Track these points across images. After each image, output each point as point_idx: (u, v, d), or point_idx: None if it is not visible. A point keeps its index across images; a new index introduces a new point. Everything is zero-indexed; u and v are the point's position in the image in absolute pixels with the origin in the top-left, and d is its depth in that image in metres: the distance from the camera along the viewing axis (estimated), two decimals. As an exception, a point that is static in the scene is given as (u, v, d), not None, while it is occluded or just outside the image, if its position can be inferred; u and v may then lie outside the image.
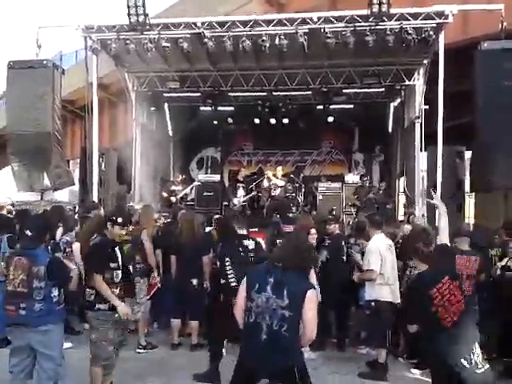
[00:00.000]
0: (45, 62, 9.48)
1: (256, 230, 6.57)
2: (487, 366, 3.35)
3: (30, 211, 4.30)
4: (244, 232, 5.81)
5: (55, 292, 3.73)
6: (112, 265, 4.10)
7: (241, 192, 12.00)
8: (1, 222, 6.65)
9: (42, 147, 9.51)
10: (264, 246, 6.15)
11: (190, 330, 6.15)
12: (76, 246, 6.57)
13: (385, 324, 5.33)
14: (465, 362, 3.27)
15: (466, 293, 4.96)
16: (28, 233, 3.84)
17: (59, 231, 7.10)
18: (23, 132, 9.47)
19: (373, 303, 5.32)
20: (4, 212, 7.76)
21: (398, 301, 5.31)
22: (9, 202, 8.41)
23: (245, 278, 3.31)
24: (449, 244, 4.41)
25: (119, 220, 4.28)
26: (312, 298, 3.13)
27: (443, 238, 4.24)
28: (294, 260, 3.21)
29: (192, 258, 5.95)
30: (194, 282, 5.89)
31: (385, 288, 5.30)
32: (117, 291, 4.10)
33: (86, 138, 10.33)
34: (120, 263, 4.19)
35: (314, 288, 3.27)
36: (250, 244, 5.70)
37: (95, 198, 9.64)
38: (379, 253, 5.29)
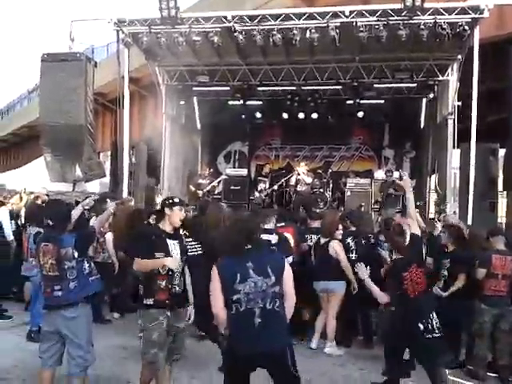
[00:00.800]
0: (78, 55, 9.65)
1: (283, 224, 6.53)
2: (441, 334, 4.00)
3: (60, 201, 4.34)
4: (268, 226, 5.82)
5: (86, 265, 3.84)
6: (158, 254, 3.78)
7: (262, 186, 11.98)
8: (31, 215, 6.69)
9: (75, 139, 9.71)
10: (292, 241, 6.13)
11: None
12: (109, 236, 6.69)
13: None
14: (421, 326, 3.96)
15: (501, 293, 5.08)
16: (49, 222, 3.87)
17: (92, 220, 7.26)
18: (56, 124, 9.68)
19: None
20: (39, 202, 7.91)
21: None
22: (44, 191, 8.60)
23: (216, 276, 3.15)
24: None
25: (176, 200, 4.01)
26: (289, 268, 3.26)
27: (412, 214, 4.59)
28: (254, 239, 3.25)
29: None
30: None
31: None
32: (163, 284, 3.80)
33: (116, 131, 10.50)
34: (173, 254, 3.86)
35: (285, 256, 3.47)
36: (273, 238, 5.71)
37: (125, 190, 9.80)
38: None
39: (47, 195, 8.27)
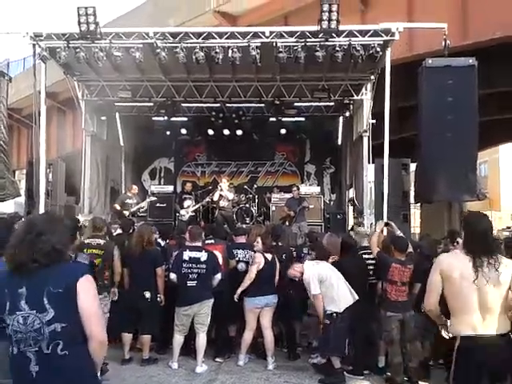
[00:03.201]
0: (-10, 70, 9.18)
1: (213, 241, 6.55)
2: None
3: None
4: (196, 244, 5.84)
5: None
6: None
7: (188, 203, 11.93)
8: None
9: (-14, 157, 9.17)
10: (221, 258, 6.16)
11: (141, 345, 6.03)
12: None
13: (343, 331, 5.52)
14: None
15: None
16: None
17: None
18: (-34, 141, 9.10)
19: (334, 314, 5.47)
20: None
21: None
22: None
23: None
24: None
25: None
26: (86, 282, 2.36)
27: None
28: (40, 255, 2.32)
29: (144, 270, 5.87)
30: (147, 294, 5.79)
31: None
32: None
33: (32, 148, 10.01)
34: None
35: (85, 270, 2.47)
36: (202, 256, 5.74)
37: (42, 210, 9.34)
38: None
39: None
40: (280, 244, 6.60)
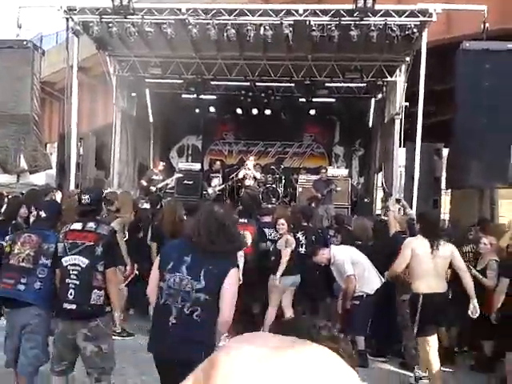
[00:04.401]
0: (25, 43, 9.29)
1: (246, 221, 6.53)
2: None
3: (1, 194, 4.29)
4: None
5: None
6: None
7: (215, 182, 11.94)
8: None
9: (20, 129, 9.35)
10: (250, 239, 6.13)
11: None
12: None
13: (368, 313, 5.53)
14: None
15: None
16: (42, 214, 3.81)
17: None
18: (1, 113, 9.28)
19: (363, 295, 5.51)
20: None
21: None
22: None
23: (159, 256, 3.02)
24: None
25: None
26: (233, 276, 2.78)
27: None
28: (217, 242, 2.78)
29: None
30: None
31: None
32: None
33: (64, 122, 10.17)
34: None
35: (238, 267, 2.97)
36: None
37: (72, 183, 9.53)
38: None
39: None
40: (310, 225, 6.55)
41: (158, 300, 2.83)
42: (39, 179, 10.78)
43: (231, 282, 2.76)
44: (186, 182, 12.61)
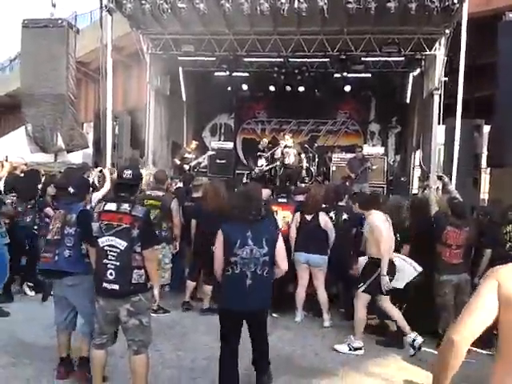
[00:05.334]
0: (59, 22, 9.39)
1: (285, 201, 6.48)
2: None
3: (79, 171, 4.54)
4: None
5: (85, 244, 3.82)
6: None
7: (262, 162, 11.72)
8: (7, 184, 6.79)
9: (56, 108, 9.50)
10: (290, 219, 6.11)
11: (202, 295, 6.21)
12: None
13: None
14: None
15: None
16: (71, 189, 3.97)
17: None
18: (37, 92, 9.45)
19: None
20: (17, 172, 7.81)
21: None
22: (22, 162, 8.48)
23: (221, 236, 3.70)
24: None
25: None
26: (280, 237, 3.81)
27: None
28: (258, 212, 3.74)
29: (215, 225, 5.79)
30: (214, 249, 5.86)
31: None
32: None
33: (99, 101, 10.27)
34: None
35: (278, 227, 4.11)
36: None
37: (109, 162, 9.66)
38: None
39: (25, 165, 8.14)
40: (342, 204, 6.43)
41: (232, 271, 3.62)
42: (76, 158, 11.00)
43: (280, 242, 3.77)
44: (218, 160, 12.63)
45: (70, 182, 4.12)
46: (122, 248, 3.38)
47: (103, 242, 3.43)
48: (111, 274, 3.38)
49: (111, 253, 3.40)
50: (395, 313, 5.13)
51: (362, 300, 5.00)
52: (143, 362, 3.48)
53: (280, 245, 3.74)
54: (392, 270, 4.94)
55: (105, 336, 3.55)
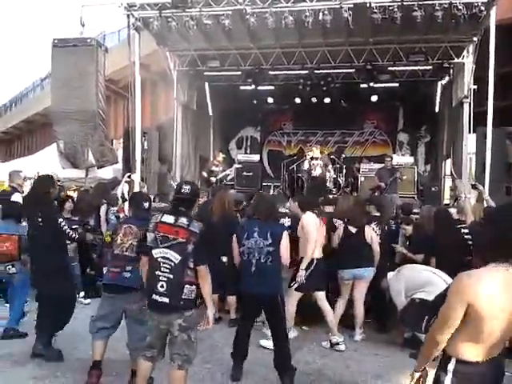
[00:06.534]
0: (89, 40, 9.59)
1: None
2: None
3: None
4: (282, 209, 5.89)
5: None
6: None
7: (318, 171, 11.42)
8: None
9: (87, 125, 9.70)
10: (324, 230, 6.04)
11: (228, 306, 6.20)
12: None
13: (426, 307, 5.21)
14: None
15: None
16: (144, 205, 4.23)
17: (103, 208, 7.32)
18: (68, 110, 9.67)
19: None
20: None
21: None
22: (55, 177, 8.68)
23: (235, 235, 4.52)
24: None
25: None
26: (286, 235, 4.36)
27: None
28: (268, 213, 4.44)
29: (222, 235, 5.65)
30: (224, 259, 5.83)
31: None
32: None
33: (129, 118, 10.45)
34: None
35: (286, 229, 4.57)
36: (286, 221, 5.90)
37: (138, 177, 9.78)
38: None
39: (59, 181, 8.31)
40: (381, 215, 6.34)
41: (242, 258, 4.35)
42: (106, 173, 11.18)
43: (285, 238, 4.34)
44: (245, 173, 12.68)
45: (142, 197, 4.35)
46: (176, 261, 3.38)
47: (157, 253, 3.44)
48: (162, 287, 3.38)
49: (165, 265, 3.40)
50: (329, 312, 5.37)
51: (293, 297, 5.25)
52: (184, 377, 3.48)
53: (285, 241, 4.30)
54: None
55: (154, 350, 3.55)
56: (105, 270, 4.13)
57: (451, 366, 2.20)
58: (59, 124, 9.96)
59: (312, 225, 5.21)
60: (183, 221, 3.43)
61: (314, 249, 5.15)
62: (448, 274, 5.05)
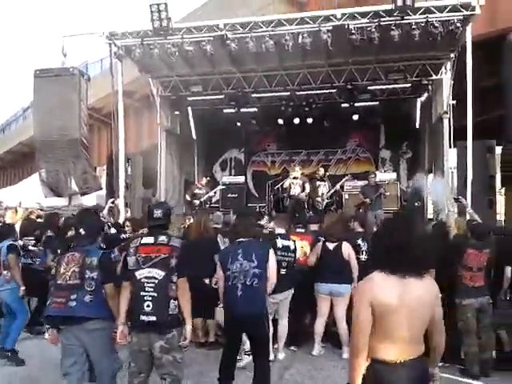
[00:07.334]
0: (71, 70, 9.63)
1: (303, 231, 6.47)
2: None
3: (93, 213, 4.50)
4: (280, 231, 5.76)
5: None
6: None
7: (322, 190, 11.38)
8: (24, 229, 6.88)
9: (70, 153, 9.66)
10: (308, 249, 6.08)
11: (208, 328, 6.15)
12: None
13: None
14: None
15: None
16: (82, 231, 3.87)
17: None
18: (50, 139, 9.64)
19: None
20: (33, 216, 7.93)
21: None
22: (37, 207, 8.62)
23: (218, 261, 4.38)
24: None
25: None
26: (272, 254, 4.32)
27: None
28: (251, 232, 4.38)
29: (202, 257, 5.62)
30: (207, 281, 5.76)
31: None
32: None
33: (112, 144, 10.45)
34: None
35: (270, 247, 4.46)
36: (291, 244, 5.69)
37: (122, 203, 9.73)
38: None
39: (42, 210, 8.23)
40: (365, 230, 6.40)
41: (226, 284, 4.18)
42: (90, 201, 11.09)
43: (272, 259, 4.29)
44: (230, 195, 12.70)
45: (81, 223, 3.98)
46: (160, 278, 3.44)
47: (140, 274, 3.48)
48: (148, 306, 3.41)
49: (149, 284, 3.45)
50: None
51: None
52: None
53: (272, 261, 4.25)
54: None
55: (142, 375, 3.54)
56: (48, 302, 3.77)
57: (368, 366, 2.37)
58: (42, 153, 9.90)
59: None
60: (163, 239, 3.59)
61: None
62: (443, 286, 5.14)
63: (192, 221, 7.79)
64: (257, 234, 4.58)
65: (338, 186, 10.72)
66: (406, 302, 2.29)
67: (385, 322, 2.30)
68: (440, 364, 4.88)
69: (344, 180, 11.31)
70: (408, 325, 2.31)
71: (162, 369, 3.49)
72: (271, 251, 4.32)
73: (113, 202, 6.89)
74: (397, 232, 2.39)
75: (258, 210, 12.39)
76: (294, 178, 11.16)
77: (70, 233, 6.43)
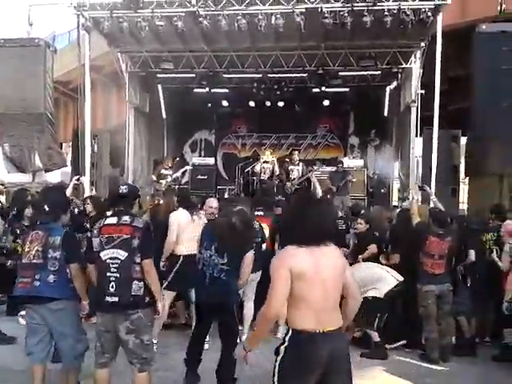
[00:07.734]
0: (36, 41, 9.34)
1: (262, 214, 6.49)
2: None
3: (60, 190, 4.39)
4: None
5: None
6: None
7: (294, 174, 11.36)
8: None
9: (34, 127, 9.40)
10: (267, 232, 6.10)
11: (176, 311, 6.18)
12: None
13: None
14: None
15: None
16: (45, 208, 3.78)
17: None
18: (14, 112, 9.34)
19: None
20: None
21: None
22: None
23: (200, 234, 4.33)
24: None
25: None
26: (248, 257, 4.19)
27: None
28: (231, 239, 4.02)
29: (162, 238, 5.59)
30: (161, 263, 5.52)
31: None
32: None
33: (78, 120, 10.19)
34: None
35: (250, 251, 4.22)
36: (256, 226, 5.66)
37: (87, 181, 9.53)
38: None
39: (2, 185, 8.00)
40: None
41: (198, 266, 4.19)
42: (55, 177, 10.84)
43: (247, 260, 4.18)
44: (200, 176, 12.61)
45: (45, 199, 3.92)
46: (123, 258, 3.42)
47: (105, 255, 3.45)
48: (113, 287, 3.40)
49: (113, 265, 3.43)
50: None
51: (167, 296, 5.12)
52: (147, 380, 3.49)
53: (246, 261, 4.15)
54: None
55: (106, 355, 3.52)
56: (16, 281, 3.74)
57: (288, 336, 2.51)
58: (5, 126, 9.60)
59: (180, 222, 5.39)
60: (126, 218, 3.53)
61: (172, 243, 5.33)
62: (408, 271, 5.29)
63: (161, 201, 7.72)
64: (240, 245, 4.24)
65: (309, 174, 10.79)
66: (318, 268, 2.47)
67: (301, 290, 2.45)
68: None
69: (315, 169, 11.39)
70: (323, 291, 2.47)
71: (129, 352, 3.47)
72: (249, 254, 4.19)
73: (78, 180, 6.71)
74: (299, 210, 2.64)
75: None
76: (265, 161, 11.14)
77: (28, 210, 6.31)
